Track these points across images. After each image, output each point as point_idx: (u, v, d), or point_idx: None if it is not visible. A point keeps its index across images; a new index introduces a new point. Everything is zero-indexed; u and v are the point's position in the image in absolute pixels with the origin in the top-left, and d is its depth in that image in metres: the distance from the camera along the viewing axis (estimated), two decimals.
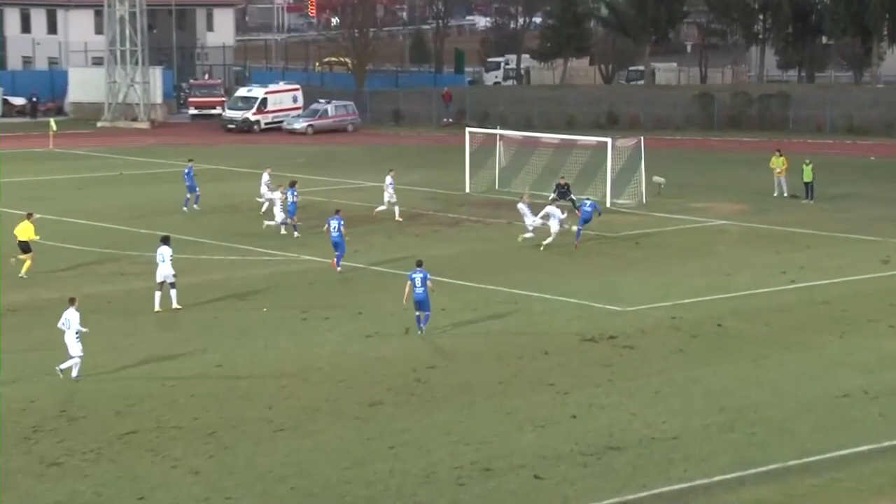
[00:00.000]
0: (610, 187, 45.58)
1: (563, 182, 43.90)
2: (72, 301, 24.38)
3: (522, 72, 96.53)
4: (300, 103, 76.92)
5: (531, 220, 38.51)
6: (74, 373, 23.95)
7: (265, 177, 44.53)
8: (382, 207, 43.00)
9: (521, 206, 39.16)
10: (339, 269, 33.85)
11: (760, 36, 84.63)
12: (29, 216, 34.48)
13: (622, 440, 20.95)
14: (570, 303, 30.83)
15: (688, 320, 29.11)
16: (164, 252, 29.64)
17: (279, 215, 39.86)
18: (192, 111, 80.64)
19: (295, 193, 40.28)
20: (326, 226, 34.64)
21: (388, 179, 43.24)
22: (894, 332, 28.04)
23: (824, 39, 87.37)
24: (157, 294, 29.51)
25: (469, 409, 22.67)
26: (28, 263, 33.18)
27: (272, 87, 76.92)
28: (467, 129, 52.23)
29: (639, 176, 46.94)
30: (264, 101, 75.43)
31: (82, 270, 34.44)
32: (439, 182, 50.33)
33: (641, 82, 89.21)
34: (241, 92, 77.57)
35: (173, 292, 29.60)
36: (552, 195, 42.95)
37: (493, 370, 25.12)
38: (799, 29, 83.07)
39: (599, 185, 45.61)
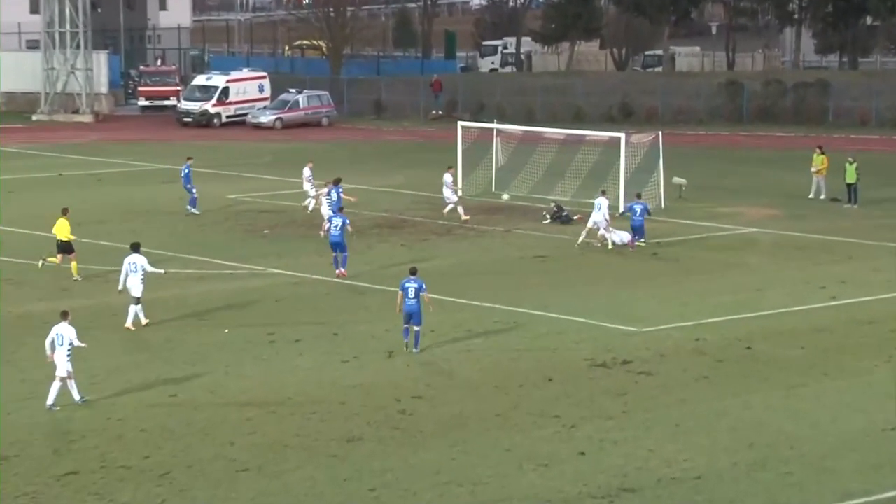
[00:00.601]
0: (623, 190, 45.69)
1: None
2: (64, 315, 24.76)
3: (523, 57, 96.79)
4: (267, 93, 76.98)
5: (609, 234, 39.16)
6: (77, 395, 24.39)
7: (306, 171, 45.97)
8: (450, 207, 44.43)
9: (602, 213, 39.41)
10: (342, 271, 34.02)
11: (796, 16, 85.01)
12: (64, 212, 35.46)
13: (637, 481, 20.98)
14: (577, 322, 30.89)
15: (713, 343, 29.19)
16: (138, 261, 30.31)
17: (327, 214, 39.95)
18: (143, 102, 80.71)
19: (340, 192, 40.95)
20: (326, 224, 34.72)
21: (448, 178, 44.65)
22: None
23: (869, 20, 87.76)
24: (132, 308, 30.21)
25: (462, 445, 22.69)
26: (75, 264, 34.76)
27: (235, 75, 76.98)
28: (459, 124, 52.30)
29: (657, 177, 47.09)
30: (226, 90, 75.47)
31: (16, 285, 34.41)
32: (427, 184, 50.40)
33: (659, 69, 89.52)
34: (199, 80, 77.59)
35: (136, 309, 30.11)
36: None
37: (489, 400, 25.15)
38: (840, 8, 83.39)
39: (611, 188, 45.69)
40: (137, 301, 30.09)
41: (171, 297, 33.18)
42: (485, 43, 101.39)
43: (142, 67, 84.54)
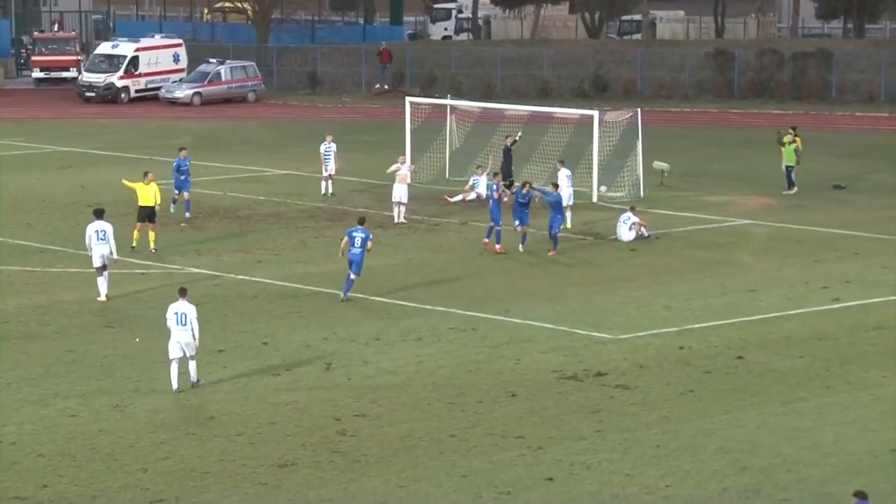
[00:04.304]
0: (597, 176, 45.96)
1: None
2: (182, 292, 27.21)
3: (480, 23, 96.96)
4: (183, 64, 76.73)
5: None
6: (194, 376, 26.81)
7: (326, 146, 46.93)
8: (460, 197, 45.51)
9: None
10: (345, 297, 33.31)
11: None
12: (147, 175, 38.32)
13: None
14: (545, 329, 31.06)
15: (699, 352, 29.45)
16: (104, 227, 32.47)
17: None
18: (37, 74, 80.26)
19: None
20: (345, 238, 33.77)
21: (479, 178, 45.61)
22: None
23: None
24: (101, 279, 32.33)
25: (411, 471, 22.79)
26: (153, 234, 38.09)
27: (145, 43, 76.68)
28: (408, 99, 52.39)
29: (635, 161, 47.39)
30: (134, 60, 75.18)
31: None
32: (370, 169, 50.49)
33: (638, 37, 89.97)
34: (104, 49, 77.26)
35: (102, 280, 32.18)
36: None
37: (442, 419, 25.26)
38: None
39: (584, 174, 45.99)
40: (104, 268, 32.21)
41: (74, 300, 33.08)
42: (436, 6, 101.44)
43: (36, 33, 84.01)
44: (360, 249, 32.74)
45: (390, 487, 22.02)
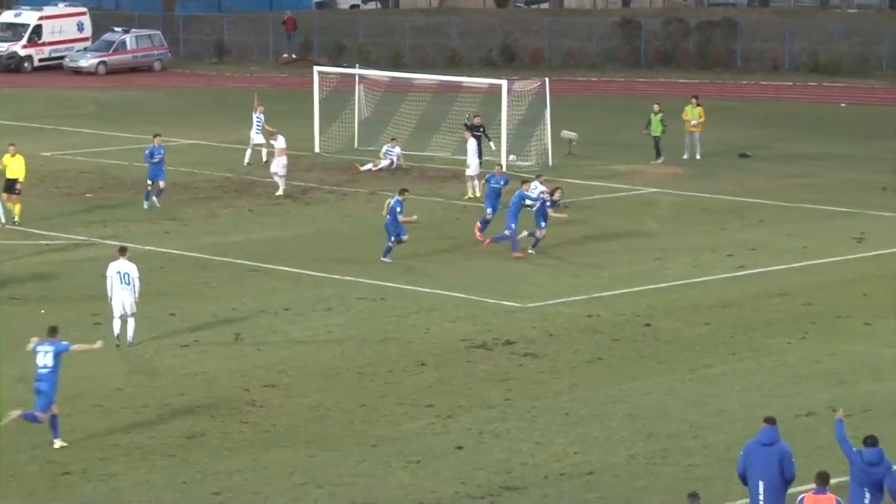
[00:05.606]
0: (505, 145, 46.05)
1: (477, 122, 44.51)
2: (122, 251, 27.53)
3: None
4: (88, 33, 75.78)
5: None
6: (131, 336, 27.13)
7: (256, 116, 45.84)
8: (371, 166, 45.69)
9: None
10: (386, 259, 33.95)
11: None
12: (10, 147, 38.00)
13: (522, 478, 21.27)
14: (454, 298, 31.13)
15: (608, 320, 29.66)
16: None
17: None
18: None
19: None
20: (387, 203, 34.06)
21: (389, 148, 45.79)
22: (870, 331, 29.01)
23: None
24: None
25: (321, 441, 22.77)
26: (18, 207, 37.96)
27: (49, 11, 75.65)
28: (315, 69, 52.18)
29: (543, 130, 47.54)
30: (38, 29, 74.17)
31: None
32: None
33: (545, 6, 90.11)
34: (6, 17, 76.12)
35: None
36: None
37: (352, 389, 25.26)
38: None
39: (492, 142, 46.02)
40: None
41: None
42: None
43: None
44: (389, 217, 33.73)
45: (300, 457, 22.00)
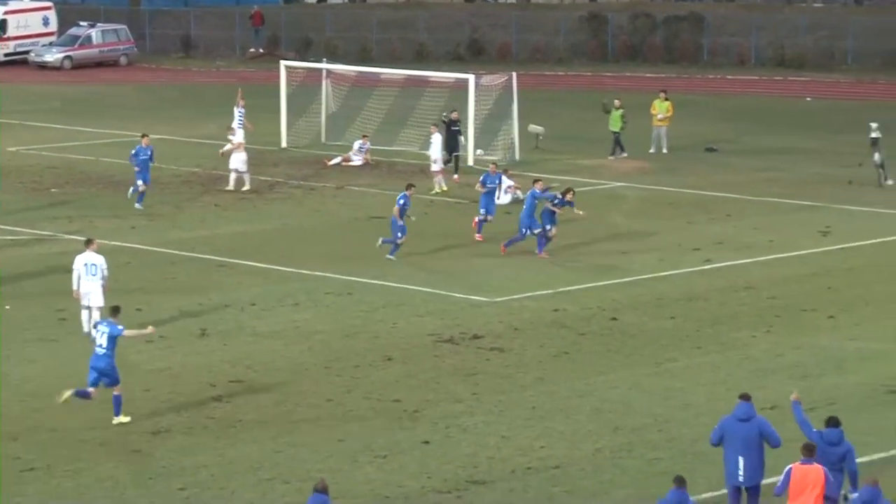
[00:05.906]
0: (473, 139, 46.08)
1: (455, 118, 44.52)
2: (89, 243, 27.37)
3: None
4: (53, 27, 75.51)
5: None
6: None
7: (238, 110, 43.53)
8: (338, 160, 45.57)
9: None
10: (390, 257, 33.61)
11: None
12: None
13: (489, 472, 21.32)
14: (421, 292, 31.14)
15: (574, 314, 29.73)
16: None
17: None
18: None
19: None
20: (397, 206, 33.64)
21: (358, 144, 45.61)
22: (834, 324, 29.17)
23: None
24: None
25: (287, 436, 22.76)
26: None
27: (13, 5, 75.42)
28: (283, 63, 52.12)
29: (510, 124, 47.58)
30: (3, 23, 73.96)
31: None
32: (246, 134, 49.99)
33: (512, 0, 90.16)
34: None
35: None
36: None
37: (318, 384, 25.25)
38: None
39: (462, 137, 46.00)
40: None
41: None
42: None
43: None
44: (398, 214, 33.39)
45: (266, 453, 21.98)
